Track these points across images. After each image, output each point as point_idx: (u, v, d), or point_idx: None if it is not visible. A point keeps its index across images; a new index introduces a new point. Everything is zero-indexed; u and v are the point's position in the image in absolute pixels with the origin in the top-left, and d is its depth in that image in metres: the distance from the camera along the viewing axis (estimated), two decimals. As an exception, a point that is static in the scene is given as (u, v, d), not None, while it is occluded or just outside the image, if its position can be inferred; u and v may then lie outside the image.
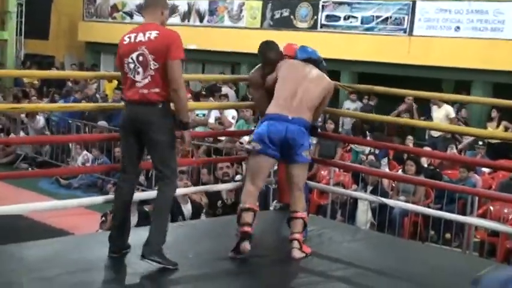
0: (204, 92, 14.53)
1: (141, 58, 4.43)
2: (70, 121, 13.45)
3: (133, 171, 4.70)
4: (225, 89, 14.94)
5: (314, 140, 5.39)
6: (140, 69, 4.44)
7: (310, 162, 5.33)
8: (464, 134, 10.29)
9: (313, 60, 5.30)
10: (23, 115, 14.46)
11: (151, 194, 5.90)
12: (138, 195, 6.65)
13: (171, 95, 4.44)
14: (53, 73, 13.07)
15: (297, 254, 4.93)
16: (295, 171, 5.02)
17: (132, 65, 4.47)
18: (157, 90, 4.42)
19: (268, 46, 5.45)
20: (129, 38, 4.52)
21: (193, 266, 4.65)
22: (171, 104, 4.53)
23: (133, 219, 7.24)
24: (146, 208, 7.98)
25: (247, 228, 4.84)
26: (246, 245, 4.79)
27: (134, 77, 4.46)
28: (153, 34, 4.44)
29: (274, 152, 4.93)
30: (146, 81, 4.43)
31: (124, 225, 4.70)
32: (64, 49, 22.62)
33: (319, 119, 5.70)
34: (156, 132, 4.45)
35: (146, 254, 4.38)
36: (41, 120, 14.50)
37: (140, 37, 4.47)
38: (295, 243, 4.94)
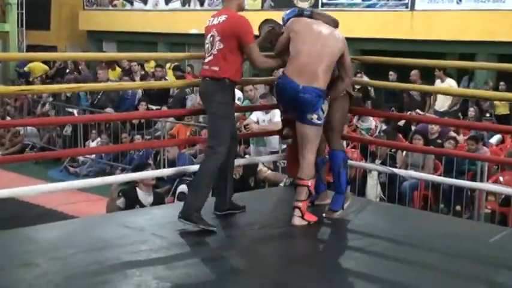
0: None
1: (211, 39, 4.97)
2: (74, 110, 13.46)
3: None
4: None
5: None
6: (210, 49, 4.96)
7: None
8: (476, 97, 10.20)
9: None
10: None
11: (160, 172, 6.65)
12: (151, 173, 6.85)
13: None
14: (72, 55, 13.08)
15: (297, 221, 5.02)
16: (302, 130, 5.08)
17: (207, 45, 5.01)
18: (216, 68, 4.91)
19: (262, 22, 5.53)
20: (209, 21, 5.06)
21: (203, 243, 4.68)
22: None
23: (149, 199, 7.49)
24: (158, 190, 8.44)
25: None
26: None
27: (206, 55, 4.99)
28: (222, 18, 4.96)
29: (290, 114, 5.22)
30: (210, 59, 4.95)
31: (225, 188, 5.17)
32: (66, 39, 22.60)
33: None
34: (210, 105, 4.95)
35: (181, 216, 4.78)
36: (47, 105, 14.52)
37: (215, 21, 5.00)
38: (296, 211, 5.03)
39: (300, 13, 5.28)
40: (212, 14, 5.14)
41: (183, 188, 8.09)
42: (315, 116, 5.02)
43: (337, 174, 5.40)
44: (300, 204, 5.05)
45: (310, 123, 5.03)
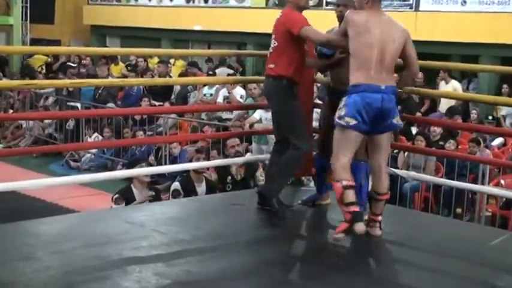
0: (210, 72, 14.50)
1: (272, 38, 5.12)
2: (78, 104, 13.46)
3: (279, 138, 5.29)
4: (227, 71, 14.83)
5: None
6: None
7: None
8: (479, 101, 10.15)
9: None
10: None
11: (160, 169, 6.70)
12: (147, 170, 6.87)
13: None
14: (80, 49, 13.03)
15: (379, 232, 4.80)
16: (384, 141, 4.70)
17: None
18: (271, 66, 5.04)
19: None
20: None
21: (203, 240, 4.68)
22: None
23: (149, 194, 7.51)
24: (158, 187, 8.45)
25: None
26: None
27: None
28: (278, 17, 5.09)
29: (367, 127, 4.55)
30: (268, 57, 5.12)
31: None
32: (69, 33, 22.57)
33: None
34: (273, 103, 5.16)
35: (261, 203, 5.18)
36: (50, 99, 14.51)
37: (276, 21, 5.11)
38: (377, 224, 4.79)
39: None
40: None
41: (176, 185, 8.02)
42: (398, 118, 4.67)
43: (358, 186, 4.97)
44: (380, 218, 4.80)
45: (396, 127, 4.73)
